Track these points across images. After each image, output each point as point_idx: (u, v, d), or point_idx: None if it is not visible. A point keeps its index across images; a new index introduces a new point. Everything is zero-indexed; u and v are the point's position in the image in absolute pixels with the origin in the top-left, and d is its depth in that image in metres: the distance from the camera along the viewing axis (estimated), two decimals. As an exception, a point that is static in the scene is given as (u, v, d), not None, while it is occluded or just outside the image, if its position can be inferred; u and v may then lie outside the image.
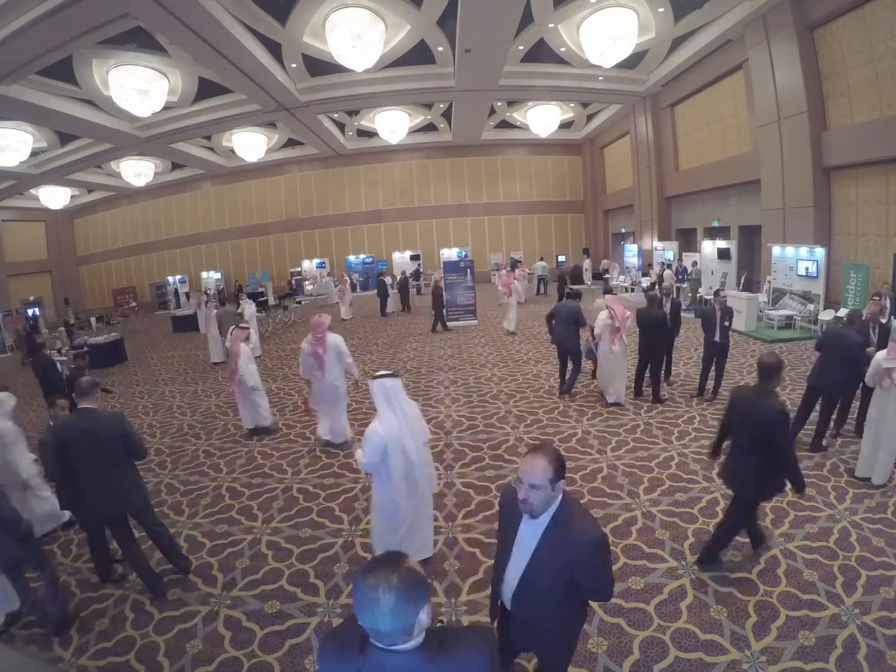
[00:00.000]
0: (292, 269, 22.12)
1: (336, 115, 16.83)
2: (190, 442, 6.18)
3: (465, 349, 10.13)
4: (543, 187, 22.74)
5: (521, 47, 12.05)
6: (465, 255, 19.93)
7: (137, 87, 10.79)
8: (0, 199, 19.25)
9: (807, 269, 10.01)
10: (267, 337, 13.14)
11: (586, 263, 20.18)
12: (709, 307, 6.75)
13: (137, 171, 18.37)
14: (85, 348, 10.20)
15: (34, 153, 14.57)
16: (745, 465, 3.05)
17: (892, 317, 7.58)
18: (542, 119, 17.05)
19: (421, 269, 20.91)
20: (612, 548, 2.94)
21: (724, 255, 13.04)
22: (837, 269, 9.90)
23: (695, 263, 13.89)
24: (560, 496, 1.73)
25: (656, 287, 11.82)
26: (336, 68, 11.82)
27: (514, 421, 6.05)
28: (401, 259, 21.87)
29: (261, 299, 16.92)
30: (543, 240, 22.87)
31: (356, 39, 9.67)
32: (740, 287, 11.56)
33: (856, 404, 5.09)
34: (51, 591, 3.13)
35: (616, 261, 19.76)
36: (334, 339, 5.38)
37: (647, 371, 6.45)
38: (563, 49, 12.28)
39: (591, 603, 2.33)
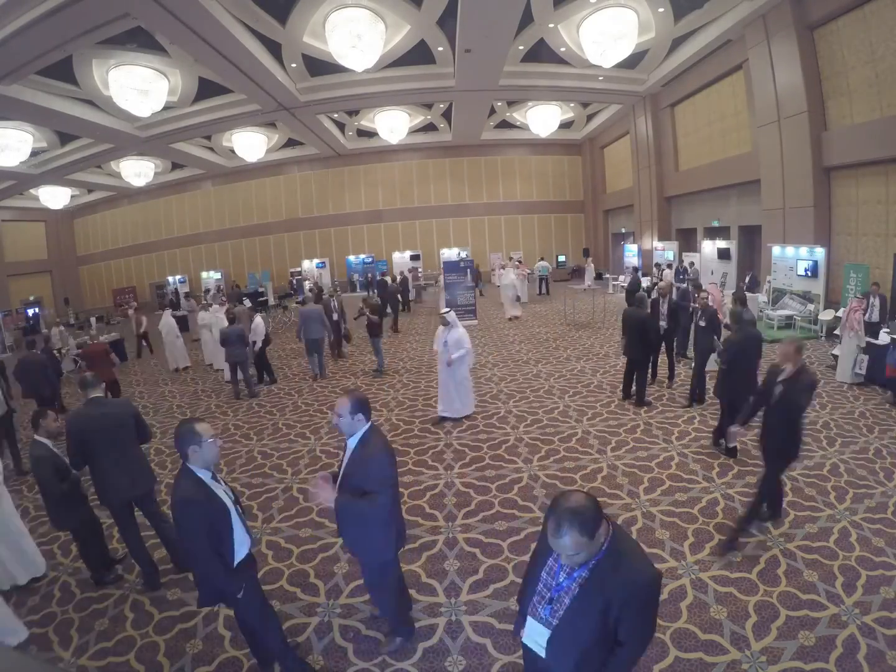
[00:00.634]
0: (292, 269, 22.09)
1: (336, 115, 16.82)
2: (190, 442, 6.17)
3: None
4: (543, 187, 22.74)
5: (521, 47, 12.05)
6: (467, 255, 19.87)
7: (137, 87, 10.77)
8: (0, 199, 19.25)
9: (805, 268, 9.99)
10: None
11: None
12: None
13: (137, 171, 18.35)
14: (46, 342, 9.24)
15: (34, 153, 14.56)
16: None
17: (887, 318, 7.59)
18: (542, 119, 17.04)
19: (407, 274, 17.52)
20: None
21: (724, 255, 13.03)
22: (837, 269, 9.90)
23: (692, 264, 13.82)
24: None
25: (651, 288, 11.78)
26: (336, 68, 11.81)
27: (514, 421, 6.05)
28: (401, 259, 21.83)
29: (261, 299, 16.89)
30: (543, 240, 22.88)
31: (356, 39, 9.66)
32: (745, 288, 11.50)
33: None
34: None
35: (616, 261, 19.70)
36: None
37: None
38: (563, 49, 12.28)
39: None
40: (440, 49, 11.80)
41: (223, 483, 2.52)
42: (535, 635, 1.69)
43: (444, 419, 6.13)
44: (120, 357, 12.01)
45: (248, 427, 6.53)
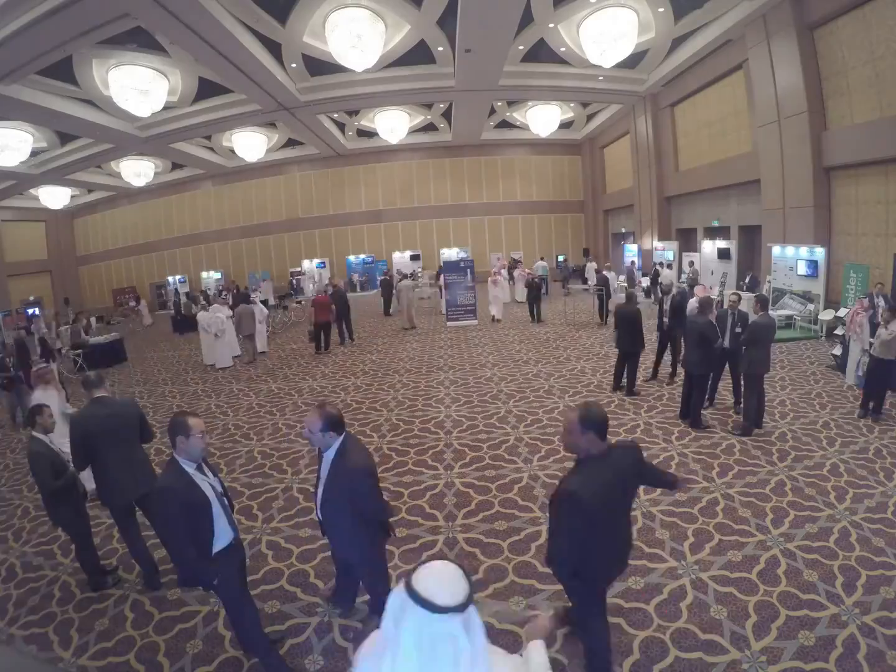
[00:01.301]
0: (292, 269, 22.08)
1: (336, 115, 16.81)
2: (190, 442, 6.17)
3: (465, 349, 10.13)
4: (543, 187, 22.73)
5: (521, 47, 12.05)
6: (467, 255, 19.88)
7: (137, 87, 10.78)
8: (0, 199, 19.25)
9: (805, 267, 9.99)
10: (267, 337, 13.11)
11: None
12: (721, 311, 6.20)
13: (137, 170, 18.34)
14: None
15: (34, 153, 14.56)
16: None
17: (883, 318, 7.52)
18: (542, 119, 17.03)
19: (397, 274, 17.42)
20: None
21: (724, 254, 13.02)
22: (837, 269, 9.89)
23: (691, 264, 13.76)
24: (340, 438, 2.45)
25: (654, 287, 11.75)
26: (336, 68, 11.81)
27: (514, 421, 6.05)
28: (401, 259, 21.82)
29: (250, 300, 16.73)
30: (543, 240, 22.86)
31: (356, 39, 9.67)
32: (745, 288, 11.51)
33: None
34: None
35: (615, 261, 19.67)
36: None
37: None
38: (563, 49, 12.28)
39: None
40: (440, 49, 11.80)
41: (210, 476, 2.56)
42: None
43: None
44: (120, 357, 12.04)
45: (248, 427, 6.53)
